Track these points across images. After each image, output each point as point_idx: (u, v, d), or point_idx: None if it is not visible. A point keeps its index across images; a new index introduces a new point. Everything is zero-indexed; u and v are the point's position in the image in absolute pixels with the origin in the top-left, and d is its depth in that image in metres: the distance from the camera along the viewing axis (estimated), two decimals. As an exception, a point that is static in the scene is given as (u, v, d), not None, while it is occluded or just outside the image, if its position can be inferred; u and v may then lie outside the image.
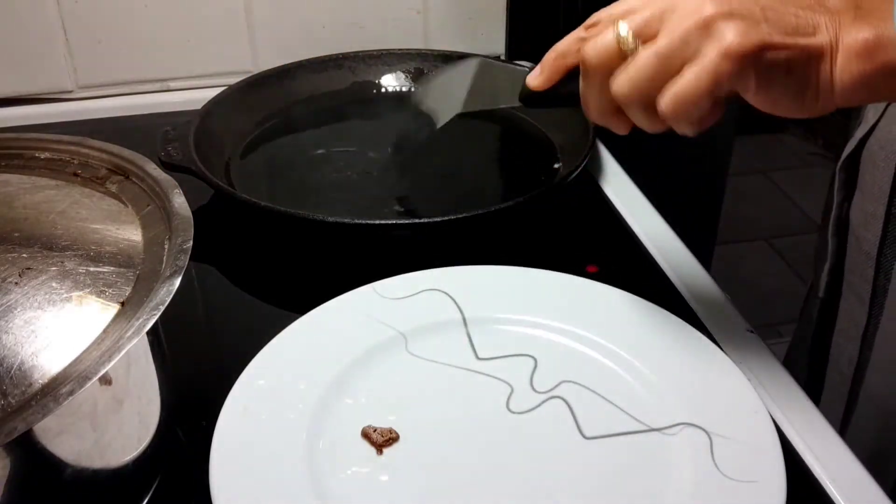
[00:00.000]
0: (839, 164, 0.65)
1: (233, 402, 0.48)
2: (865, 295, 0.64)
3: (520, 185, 0.75)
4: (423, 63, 0.87)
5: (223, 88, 0.79)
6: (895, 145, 0.60)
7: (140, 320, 0.38)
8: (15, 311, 0.39)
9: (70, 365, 0.37)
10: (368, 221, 0.62)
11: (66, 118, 0.85)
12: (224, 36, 0.88)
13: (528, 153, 0.78)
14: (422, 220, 0.63)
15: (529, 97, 0.50)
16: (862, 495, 0.45)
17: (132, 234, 0.46)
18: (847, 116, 0.65)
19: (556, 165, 0.75)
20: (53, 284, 0.40)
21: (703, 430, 0.47)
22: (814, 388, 0.70)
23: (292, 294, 0.53)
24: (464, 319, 0.55)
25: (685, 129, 0.43)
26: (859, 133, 0.63)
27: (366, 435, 0.47)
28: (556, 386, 0.51)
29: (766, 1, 0.41)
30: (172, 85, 0.89)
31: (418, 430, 0.47)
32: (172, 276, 0.41)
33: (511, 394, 0.50)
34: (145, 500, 0.45)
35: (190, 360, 0.55)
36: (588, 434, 0.47)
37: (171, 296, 0.40)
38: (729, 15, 0.40)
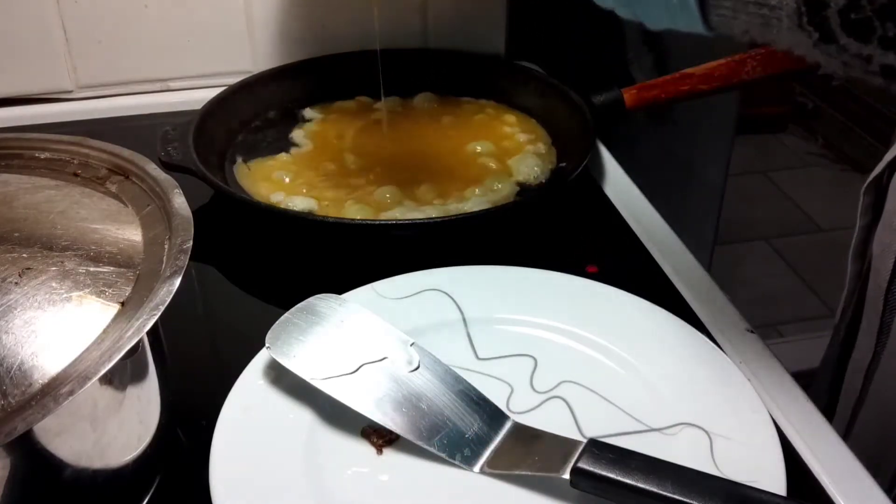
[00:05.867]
0: (864, 185, 0.63)
1: (233, 402, 0.48)
2: (874, 329, 0.62)
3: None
4: (424, 63, 0.86)
5: (223, 88, 0.79)
6: None
7: (140, 320, 0.38)
8: (15, 311, 0.38)
9: (70, 365, 0.37)
10: (368, 221, 0.62)
11: (66, 118, 0.85)
12: (224, 36, 0.88)
13: (528, 153, 0.78)
14: (422, 220, 0.63)
15: None
16: (862, 495, 0.45)
17: (132, 234, 0.46)
18: (858, 124, 0.63)
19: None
20: (53, 284, 0.40)
21: (703, 430, 0.47)
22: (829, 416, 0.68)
23: (292, 294, 0.53)
24: (464, 319, 0.55)
25: None
26: (889, 156, 0.60)
27: (366, 435, 0.47)
28: (556, 386, 0.51)
29: None
30: (172, 85, 0.89)
31: (418, 430, 0.47)
32: (172, 276, 0.41)
33: (511, 394, 0.50)
34: (145, 500, 0.45)
35: (190, 360, 0.55)
36: (588, 434, 0.47)
37: (171, 296, 0.40)
38: None
